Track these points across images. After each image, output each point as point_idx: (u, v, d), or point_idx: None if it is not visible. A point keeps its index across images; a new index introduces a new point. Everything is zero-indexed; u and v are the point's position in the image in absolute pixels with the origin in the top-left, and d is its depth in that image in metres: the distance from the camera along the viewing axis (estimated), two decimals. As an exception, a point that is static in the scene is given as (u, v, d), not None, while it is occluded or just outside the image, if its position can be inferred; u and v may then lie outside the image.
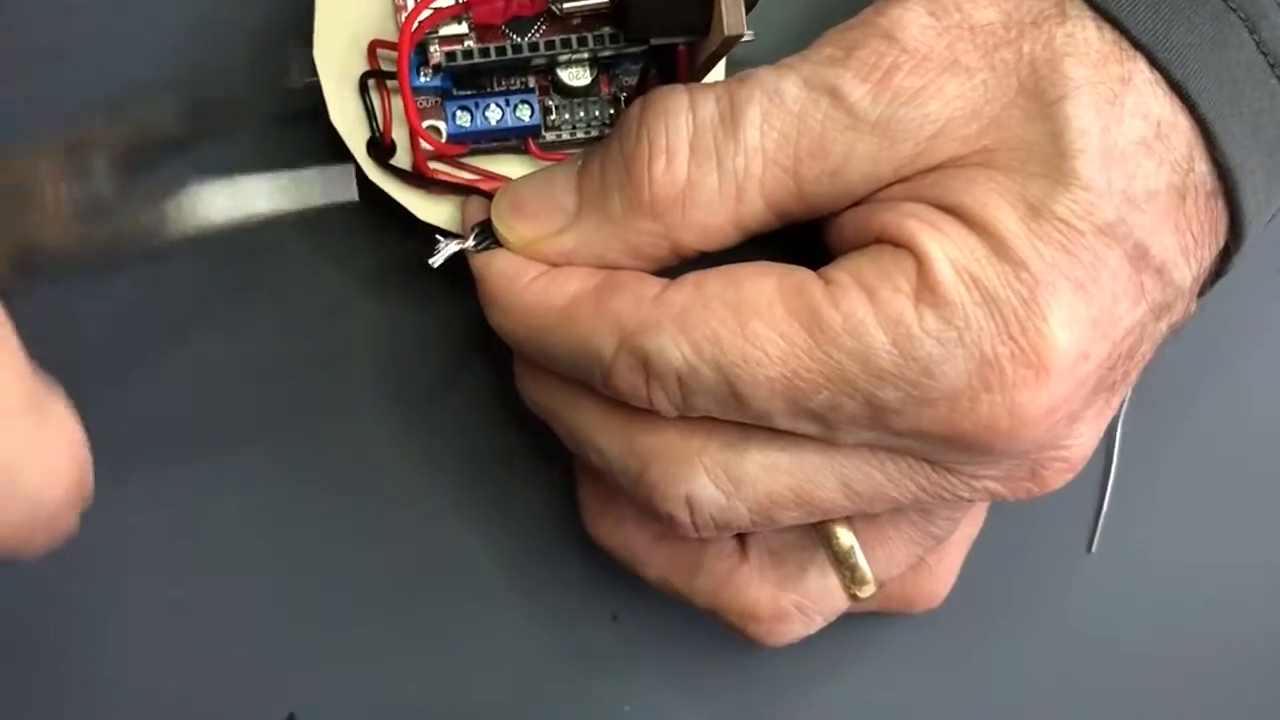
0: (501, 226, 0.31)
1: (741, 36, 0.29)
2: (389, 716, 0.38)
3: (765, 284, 0.29)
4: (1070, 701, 0.40)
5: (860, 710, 0.40)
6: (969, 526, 0.37)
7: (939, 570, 0.37)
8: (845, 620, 0.37)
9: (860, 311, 0.28)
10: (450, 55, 0.31)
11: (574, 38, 0.31)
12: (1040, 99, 0.28)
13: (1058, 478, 0.31)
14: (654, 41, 0.30)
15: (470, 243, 0.32)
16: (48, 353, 0.26)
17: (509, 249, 0.31)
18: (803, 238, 0.32)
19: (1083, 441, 0.30)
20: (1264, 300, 0.39)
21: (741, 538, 0.34)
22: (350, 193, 0.31)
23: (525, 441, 0.37)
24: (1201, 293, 0.32)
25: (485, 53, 0.31)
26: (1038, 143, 0.28)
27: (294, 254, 0.36)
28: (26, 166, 0.26)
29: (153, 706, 0.37)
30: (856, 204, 0.30)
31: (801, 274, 0.29)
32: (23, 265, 0.26)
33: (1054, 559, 0.39)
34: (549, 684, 0.39)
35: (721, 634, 0.36)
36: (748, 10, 0.29)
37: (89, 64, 0.35)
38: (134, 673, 0.37)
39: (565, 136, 0.34)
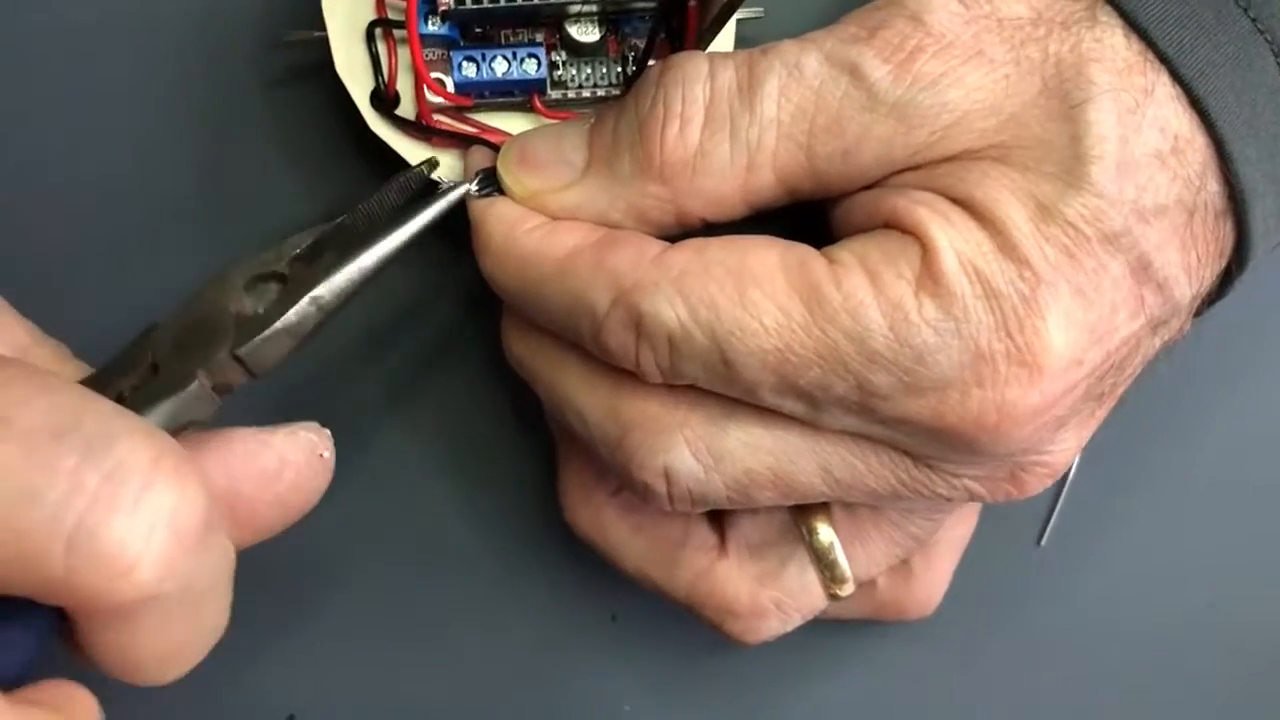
0: (508, 176, 0.31)
1: None
2: (388, 717, 0.38)
3: (768, 255, 0.28)
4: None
5: (855, 709, 0.40)
6: (959, 531, 0.37)
7: (930, 577, 0.36)
8: (844, 624, 0.38)
9: (861, 292, 0.28)
10: (459, 0, 0.31)
11: None
12: (1063, 100, 0.28)
13: (1037, 483, 0.31)
14: None
15: (473, 187, 0.31)
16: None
17: (512, 199, 0.31)
18: (809, 223, 0.31)
19: (1065, 448, 0.30)
20: (1238, 307, 0.39)
21: (721, 532, 0.34)
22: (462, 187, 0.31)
23: (525, 442, 0.37)
24: (1198, 313, 0.32)
25: None
26: (1056, 144, 0.28)
27: (290, 211, 0.35)
28: (213, 298, 0.29)
29: (153, 707, 0.36)
30: (867, 187, 0.30)
31: (805, 250, 0.29)
32: (222, 385, 0.28)
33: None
34: (549, 684, 0.39)
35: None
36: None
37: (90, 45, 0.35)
38: None
39: (571, 95, 0.33)
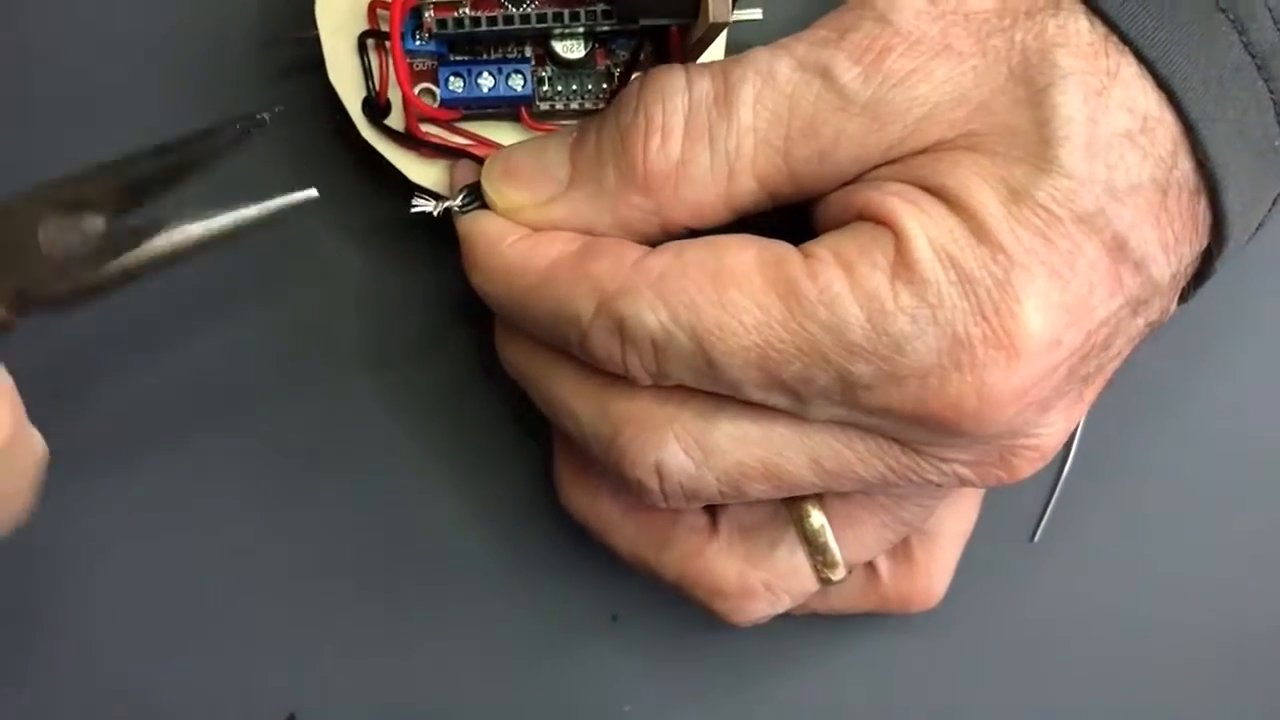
0: (492, 191, 0.32)
1: (726, 25, 0.29)
2: (388, 716, 0.38)
3: (745, 254, 0.29)
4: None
5: (852, 706, 0.40)
6: (962, 523, 0.37)
7: (933, 569, 0.37)
8: (841, 622, 0.38)
9: (836, 285, 0.28)
10: (442, 23, 0.32)
11: (566, 12, 0.32)
12: (1029, 86, 0.28)
13: (1028, 466, 0.31)
14: (643, 22, 0.31)
15: (457, 203, 0.32)
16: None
17: (496, 213, 0.32)
18: (795, 220, 0.32)
19: (1053, 431, 0.30)
20: (1232, 303, 0.39)
21: (712, 514, 0.35)
22: (309, 192, 0.30)
23: (525, 442, 0.38)
24: (1185, 298, 0.32)
25: (477, 22, 0.32)
26: (1023, 128, 0.28)
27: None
28: (22, 214, 0.27)
29: (153, 706, 0.38)
30: (845, 184, 0.30)
31: (782, 247, 0.29)
32: (20, 305, 0.27)
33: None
34: (549, 684, 0.39)
35: (722, 634, 0.36)
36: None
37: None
38: (134, 673, 0.37)
39: (559, 107, 0.34)
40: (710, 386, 0.30)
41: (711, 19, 0.29)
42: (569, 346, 0.30)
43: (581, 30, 0.33)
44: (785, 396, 0.29)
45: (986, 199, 0.28)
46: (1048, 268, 0.28)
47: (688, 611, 0.35)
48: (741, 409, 0.30)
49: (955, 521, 0.37)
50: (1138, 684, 0.41)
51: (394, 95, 0.33)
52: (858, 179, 0.30)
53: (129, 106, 0.35)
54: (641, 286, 0.29)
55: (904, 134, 0.29)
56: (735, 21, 0.34)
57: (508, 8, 0.32)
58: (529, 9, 0.32)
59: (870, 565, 0.37)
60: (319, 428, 0.37)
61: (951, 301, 0.28)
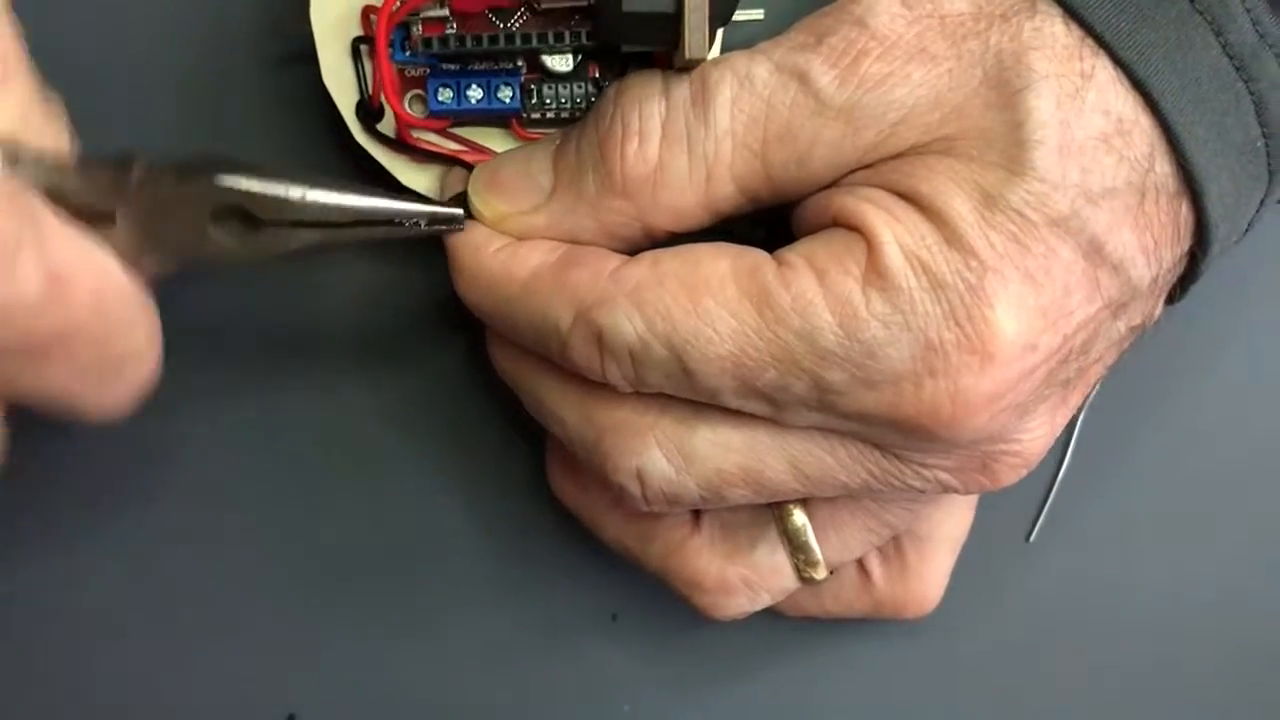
0: (478, 201, 0.32)
1: (704, 60, 0.29)
2: (388, 716, 0.39)
3: (720, 263, 0.29)
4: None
5: (850, 706, 0.40)
6: (955, 528, 0.37)
7: (928, 573, 0.37)
8: (840, 623, 0.38)
9: (809, 292, 0.28)
10: (428, 42, 0.32)
11: (551, 32, 0.32)
12: (1003, 89, 0.29)
13: (1010, 473, 0.31)
14: (625, 48, 0.31)
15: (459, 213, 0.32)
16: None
17: (483, 223, 0.32)
18: (777, 224, 0.32)
19: (1035, 437, 0.30)
20: (1228, 303, 0.39)
21: (696, 509, 0.35)
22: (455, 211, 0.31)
23: (524, 442, 0.38)
24: (1174, 299, 0.32)
25: (463, 41, 0.32)
26: (997, 132, 0.28)
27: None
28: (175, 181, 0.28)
29: (153, 706, 0.38)
30: (823, 188, 0.31)
31: (756, 255, 0.30)
32: (188, 265, 0.28)
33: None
34: (549, 684, 0.39)
35: (721, 634, 0.36)
36: (714, 32, 0.29)
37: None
38: (134, 673, 0.38)
39: (549, 115, 0.34)
40: (689, 394, 0.30)
41: (688, 55, 0.29)
42: (551, 354, 0.31)
43: (570, 47, 0.33)
44: (763, 403, 0.30)
45: (959, 204, 0.28)
46: (1021, 272, 0.28)
47: (687, 611, 0.35)
48: (721, 416, 0.30)
49: (950, 526, 0.37)
50: (1134, 684, 0.41)
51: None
52: (835, 183, 0.30)
53: (124, 98, 0.35)
54: (618, 297, 0.29)
55: (879, 138, 0.29)
56: (737, 22, 0.34)
57: (496, 26, 0.32)
58: (515, 28, 0.32)
59: (864, 570, 0.37)
60: (317, 429, 0.37)
61: (923, 307, 0.28)
